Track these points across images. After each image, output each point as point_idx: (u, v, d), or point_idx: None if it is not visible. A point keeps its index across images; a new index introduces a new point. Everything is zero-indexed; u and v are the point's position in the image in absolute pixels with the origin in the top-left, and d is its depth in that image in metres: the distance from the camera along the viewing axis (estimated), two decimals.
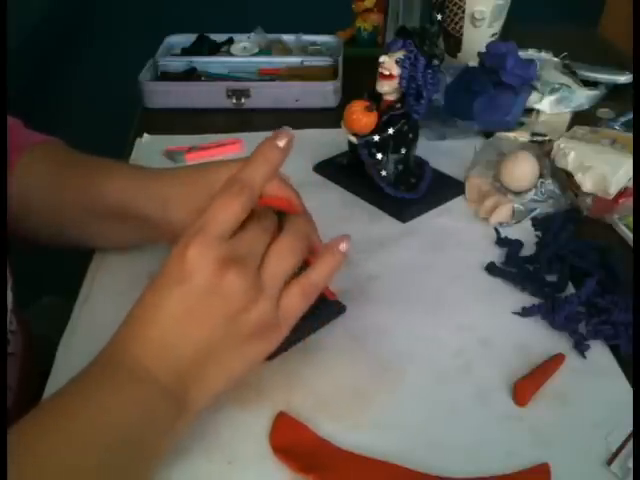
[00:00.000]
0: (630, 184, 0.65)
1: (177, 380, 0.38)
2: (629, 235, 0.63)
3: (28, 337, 0.59)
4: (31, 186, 0.54)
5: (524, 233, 0.63)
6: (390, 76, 0.61)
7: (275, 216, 0.43)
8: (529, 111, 0.80)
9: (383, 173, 0.66)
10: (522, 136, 0.74)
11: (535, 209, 0.65)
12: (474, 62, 0.80)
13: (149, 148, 0.78)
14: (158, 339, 0.38)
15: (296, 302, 0.41)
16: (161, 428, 0.38)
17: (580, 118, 0.81)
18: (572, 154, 0.67)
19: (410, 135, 0.65)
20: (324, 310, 0.52)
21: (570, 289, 0.57)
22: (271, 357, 0.48)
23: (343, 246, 0.43)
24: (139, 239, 0.57)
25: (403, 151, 0.65)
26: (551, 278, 0.58)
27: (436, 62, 0.62)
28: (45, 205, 0.54)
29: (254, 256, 0.39)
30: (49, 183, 0.55)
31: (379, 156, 0.65)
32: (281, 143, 0.40)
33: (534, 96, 0.79)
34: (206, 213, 0.38)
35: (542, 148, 0.72)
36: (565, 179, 0.67)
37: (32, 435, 0.34)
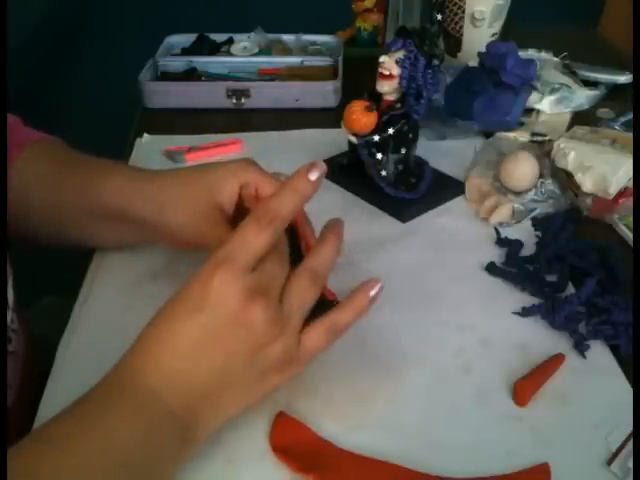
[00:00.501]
0: (630, 184, 0.65)
1: (186, 407, 0.37)
2: (629, 235, 0.63)
3: (29, 336, 0.59)
4: (30, 183, 0.54)
5: (524, 233, 0.63)
6: (390, 76, 0.61)
7: (285, 239, 0.42)
8: (529, 111, 0.80)
9: (383, 173, 0.66)
10: (522, 136, 0.74)
11: (535, 209, 0.65)
12: (474, 62, 0.80)
13: (149, 148, 0.78)
14: (171, 365, 0.37)
15: (320, 341, 0.41)
16: (167, 454, 0.37)
17: (580, 118, 0.81)
18: (572, 154, 0.67)
19: (410, 135, 0.65)
20: (324, 311, 0.52)
21: (570, 289, 0.57)
22: None
23: (373, 292, 0.42)
24: (138, 240, 0.57)
25: (403, 151, 0.65)
26: (551, 278, 0.58)
27: (436, 62, 0.62)
28: (44, 203, 0.54)
29: (276, 288, 0.39)
30: (48, 181, 0.55)
31: (379, 156, 0.65)
32: (313, 177, 0.39)
33: (534, 96, 0.79)
34: (233, 241, 0.37)
35: (542, 148, 0.72)
36: (565, 179, 0.67)
37: (32, 459, 0.33)
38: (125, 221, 0.53)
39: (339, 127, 0.66)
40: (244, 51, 0.96)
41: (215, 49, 0.97)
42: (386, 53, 0.61)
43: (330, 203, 0.68)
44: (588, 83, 0.86)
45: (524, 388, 0.47)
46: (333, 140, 0.73)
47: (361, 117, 0.63)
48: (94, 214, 0.53)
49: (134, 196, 0.52)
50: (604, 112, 0.84)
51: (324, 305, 0.51)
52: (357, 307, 0.42)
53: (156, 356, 0.37)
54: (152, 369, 0.37)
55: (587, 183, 0.65)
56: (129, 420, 0.36)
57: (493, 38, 0.88)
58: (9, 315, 0.51)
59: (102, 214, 0.53)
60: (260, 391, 0.40)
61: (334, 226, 0.43)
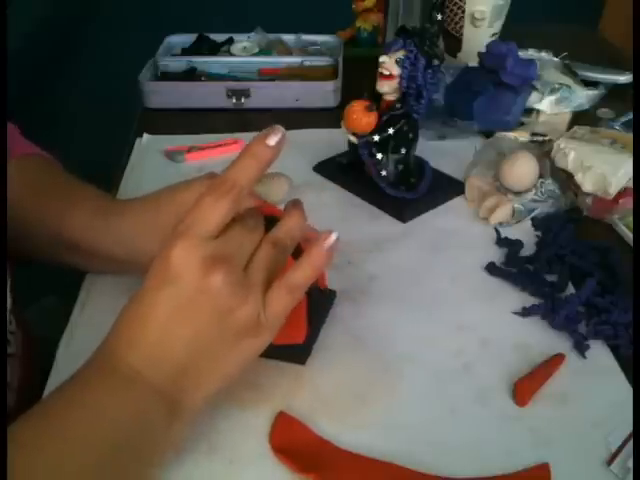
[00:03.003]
0: (630, 184, 0.65)
1: (170, 382, 0.38)
2: (629, 235, 0.63)
3: (28, 337, 0.59)
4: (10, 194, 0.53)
5: (524, 233, 0.63)
6: (390, 76, 0.61)
7: (262, 217, 0.42)
8: (529, 111, 0.80)
9: (383, 173, 0.66)
10: (522, 136, 0.74)
11: (535, 209, 0.65)
12: (474, 62, 0.80)
13: (149, 148, 0.78)
14: (148, 342, 0.38)
15: (283, 301, 0.40)
16: (156, 430, 0.38)
17: (580, 118, 0.81)
18: (572, 154, 0.67)
19: (410, 135, 0.65)
20: (321, 301, 0.52)
21: (570, 289, 0.57)
22: (302, 361, 0.49)
23: (327, 244, 0.41)
24: (108, 271, 0.57)
25: (403, 151, 0.65)
26: (551, 278, 0.58)
27: (436, 62, 0.62)
28: (15, 222, 0.53)
29: (241, 255, 0.39)
30: (24, 201, 0.54)
31: (379, 156, 0.65)
32: (271, 142, 0.38)
33: (534, 96, 0.79)
34: (191, 212, 0.38)
35: (542, 148, 0.72)
36: (565, 179, 0.67)
37: (24, 438, 0.34)
38: (95, 256, 0.53)
39: (339, 127, 0.66)
40: (244, 51, 0.96)
41: (215, 49, 0.97)
42: (386, 53, 0.61)
43: (330, 203, 0.68)
44: (588, 83, 0.86)
45: (524, 388, 0.47)
46: (333, 140, 0.73)
47: (361, 117, 0.63)
48: (64, 245, 0.53)
49: (102, 234, 0.51)
50: (604, 112, 0.84)
51: (321, 294, 0.52)
52: (314, 262, 0.41)
53: (131, 334, 0.38)
54: (129, 347, 0.38)
55: (587, 183, 0.65)
56: (113, 399, 0.37)
57: (493, 38, 0.88)
58: (7, 317, 0.51)
59: (71, 247, 0.53)
60: (235, 358, 0.40)
61: (295, 202, 0.43)
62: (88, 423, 0.35)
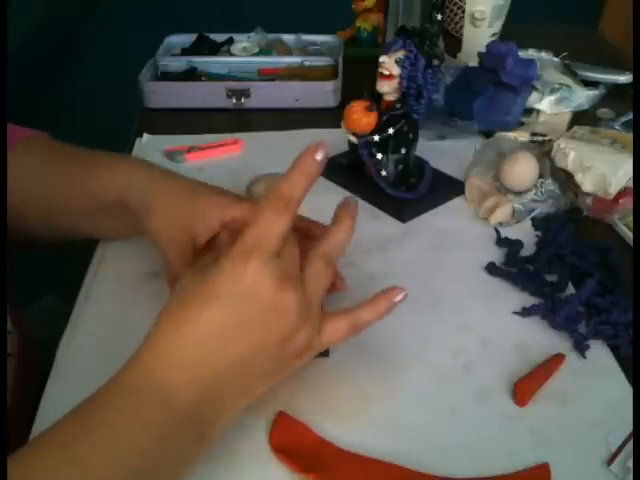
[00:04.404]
0: (630, 184, 0.65)
1: (203, 400, 0.37)
2: (629, 235, 0.63)
3: (24, 337, 0.58)
4: (25, 177, 0.54)
5: (524, 233, 0.63)
6: (390, 76, 0.61)
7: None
8: (529, 111, 0.80)
9: (383, 173, 0.66)
10: (522, 136, 0.74)
11: (535, 209, 0.65)
12: (474, 62, 0.80)
13: (149, 148, 0.78)
14: (190, 353, 0.36)
15: (339, 334, 0.41)
16: (180, 454, 0.37)
17: (580, 118, 0.81)
18: (572, 154, 0.67)
19: (410, 135, 0.65)
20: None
21: (570, 289, 0.57)
22: (326, 353, 0.50)
23: (397, 299, 0.43)
24: (130, 233, 0.57)
25: (403, 151, 0.65)
26: (551, 278, 0.58)
27: (436, 62, 0.62)
28: (41, 196, 0.54)
29: (297, 273, 0.39)
30: (45, 173, 0.54)
31: (379, 156, 0.65)
32: (319, 157, 0.39)
33: (534, 96, 0.79)
34: (256, 229, 0.37)
35: (542, 148, 0.72)
36: (565, 179, 0.67)
37: (37, 460, 0.32)
38: (122, 212, 0.52)
39: (339, 127, 0.66)
40: (244, 51, 0.96)
41: (215, 49, 0.97)
42: (386, 53, 0.61)
43: (330, 203, 0.68)
44: (588, 83, 0.86)
45: (524, 388, 0.47)
46: (333, 140, 0.73)
47: (361, 117, 0.63)
48: (91, 205, 0.53)
49: (133, 189, 0.52)
50: (604, 112, 0.84)
51: None
52: (379, 309, 0.42)
53: (174, 345, 0.36)
54: (168, 360, 0.36)
55: (587, 183, 0.65)
56: (141, 420, 0.35)
57: (493, 38, 0.88)
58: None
59: (100, 205, 0.53)
60: (279, 378, 0.40)
61: (347, 206, 0.43)
62: (107, 444, 0.33)
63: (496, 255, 0.61)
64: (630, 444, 0.43)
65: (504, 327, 0.53)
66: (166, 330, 0.37)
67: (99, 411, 0.35)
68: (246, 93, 0.86)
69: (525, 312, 0.54)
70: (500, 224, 0.64)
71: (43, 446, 0.33)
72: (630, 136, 0.70)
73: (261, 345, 0.37)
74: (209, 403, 0.37)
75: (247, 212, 0.49)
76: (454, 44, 0.91)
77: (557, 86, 0.81)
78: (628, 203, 0.64)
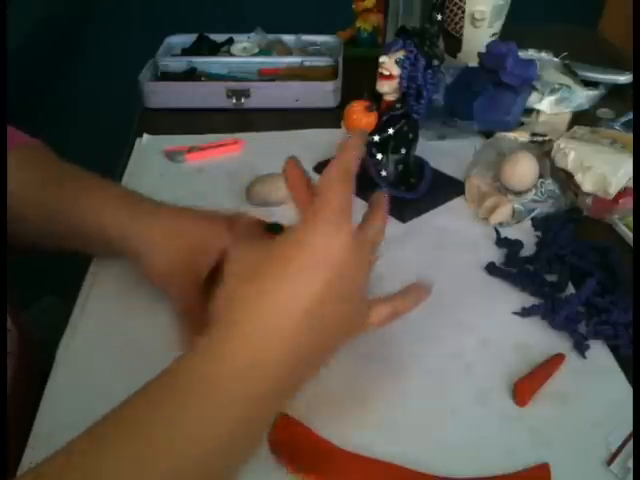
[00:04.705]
0: (630, 184, 0.65)
1: (289, 373, 0.36)
2: (629, 235, 0.63)
3: (24, 337, 0.58)
4: (19, 189, 0.53)
5: (524, 233, 0.63)
6: (390, 76, 0.61)
7: None
8: (529, 111, 0.80)
9: (383, 173, 0.66)
10: (522, 136, 0.74)
11: (535, 209, 0.65)
12: (474, 62, 0.80)
13: (149, 148, 0.78)
14: (279, 324, 0.35)
15: (381, 318, 0.41)
16: (263, 426, 0.37)
17: (580, 118, 0.81)
18: (572, 154, 0.67)
19: (410, 135, 0.65)
20: None
21: (570, 289, 0.57)
22: None
23: (425, 294, 0.44)
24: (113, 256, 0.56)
25: (403, 151, 0.65)
26: (551, 278, 0.58)
27: (436, 62, 0.62)
28: (33, 211, 0.53)
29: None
30: (39, 191, 0.53)
31: (379, 156, 0.65)
32: (360, 141, 0.40)
33: (534, 96, 0.79)
34: (331, 198, 0.37)
35: (542, 148, 0.72)
36: (565, 179, 0.67)
37: (100, 439, 0.31)
38: (119, 250, 0.52)
39: (339, 127, 0.66)
40: (244, 51, 0.96)
41: (215, 49, 0.97)
42: (386, 53, 0.61)
43: None
44: (588, 83, 0.86)
45: (524, 388, 0.47)
46: (333, 140, 0.73)
47: (361, 117, 0.63)
48: (80, 233, 0.52)
49: (133, 230, 0.51)
50: (604, 112, 0.84)
51: None
52: (418, 297, 0.43)
53: (262, 317, 0.35)
54: (253, 331, 0.35)
55: (587, 183, 0.65)
56: (227, 391, 0.33)
57: (493, 38, 0.88)
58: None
59: (84, 235, 0.52)
60: (337, 348, 0.40)
61: (379, 197, 0.44)
62: (189, 422, 0.32)
63: (496, 255, 0.61)
64: (630, 444, 0.43)
65: (504, 327, 0.53)
66: (251, 298, 0.35)
67: (180, 384, 0.33)
68: (246, 93, 0.86)
69: (525, 312, 0.54)
70: (500, 224, 0.64)
71: (113, 423, 0.32)
72: (630, 136, 0.70)
73: (344, 315, 0.37)
74: (296, 376, 0.37)
75: (242, 231, 0.50)
76: (454, 44, 0.91)
77: (557, 86, 0.81)
78: (628, 203, 0.64)
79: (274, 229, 0.49)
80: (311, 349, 0.36)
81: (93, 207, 0.52)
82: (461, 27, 0.89)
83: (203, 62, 0.93)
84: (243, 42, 0.98)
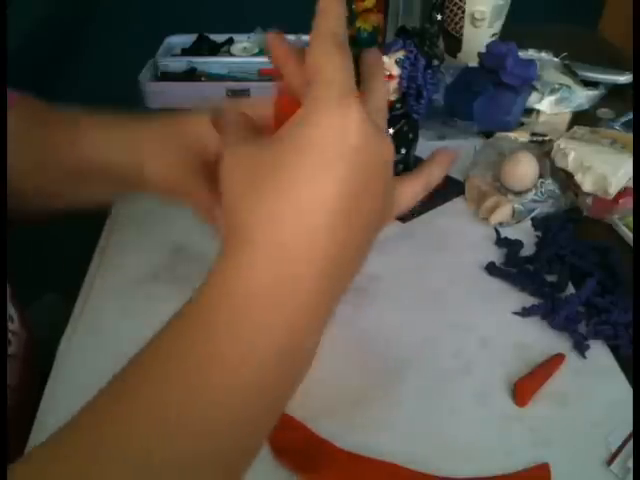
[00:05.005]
0: (630, 184, 0.65)
1: (328, 276, 0.30)
2: (629, 235, 0.63)
3: (29, 338, 0.58)
4: (10, 144, 0.50)
5: (524, 233, 0.63)
6: (390, 76, 0.61)
7: None
8: (529, 111, 0.80)
9: None
10: (522, 136, 0.74)
11: (535, 209, 0.65)
12: (474, 62, 0.80)
13: None
14: (312, 222, 0.29)
15: (413, 197, 0.37)
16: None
17: (580, 118, 0.81)
18: (572, 154, 0.67)
19: (410, 135, 0.65)
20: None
21: (570, 289, 0.57)
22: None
23: (451, 157, 0.39)
24: (123, 191, 0.54)
25: (403, 151, 0.65)
26: (551, 278, 0.58)
27: (436, 62, 0.62)
28: (25, 166, 0.51)
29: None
30: (29, 142, 0.51)
31: None
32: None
33: (534, 96, 0.79)
34: (333, 69, 0.30)
35: (542, 148, 0.72)
36: (565, 179, 0.67)
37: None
38: (108, 176, 0.49)
39: None
40: (244, 51, 0.96)
41: (215, 49, 0.97)
42: (386, 53, 0.61)
43: None
44: (588, 83, 0.86)
45: (524, 388, 0.47)
46: None
47: None
48: (76, 172, 0.50)
49: (114, 150, 0.48)
50: (604, 112, 0.84)
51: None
52: (447, 162, 0.38)
53: (296, 215, 0.29)
54: (287, 226, 0.29)
55: (587, 183, 0.65)
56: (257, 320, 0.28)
57: (493, 38, 0.88)
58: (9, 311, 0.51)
59: (84, 171, 0.49)
60: (370, 245, 0.35)
61: (375, 56, 0.40)
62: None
63: (496, 255, 0.61)
64: (630, 444, 0.43)
65: (504, 327, 0.53)
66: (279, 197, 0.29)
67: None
68: (246, 93, 0.86)
69: (525, 312, 0.54)
70: (500, 224, 0.64)
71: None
72: (630, 136, 0.70)
73: (373, 208, 0.32)
74: (334, 279, 0.31)
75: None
76: (454, 44, 0.91)
77: (557, 86, 0.81)
78: (628, 203, 0.64)
79: None
80: (343, 253, 0.31)
81: (84, 140, 0.49)
82: (461, 27, 0.89)
83: (203, 62, 0.93)
84: (243, 42, 0.98)
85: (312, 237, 0.29)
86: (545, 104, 0.80)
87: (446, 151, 0.38)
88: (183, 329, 0.29)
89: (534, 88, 0.79)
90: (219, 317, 0.28)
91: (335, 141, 0.29)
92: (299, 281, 0.29)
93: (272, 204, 0.29)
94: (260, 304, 0.28)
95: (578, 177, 0.66)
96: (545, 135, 0.75)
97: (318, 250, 0.29)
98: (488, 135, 0.76)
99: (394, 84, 0.62)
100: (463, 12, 0.87)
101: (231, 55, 0.96)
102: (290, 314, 0.29)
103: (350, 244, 0.31)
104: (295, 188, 0.29)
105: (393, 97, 0.63)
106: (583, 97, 0.82)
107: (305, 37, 1.09)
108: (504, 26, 0.90)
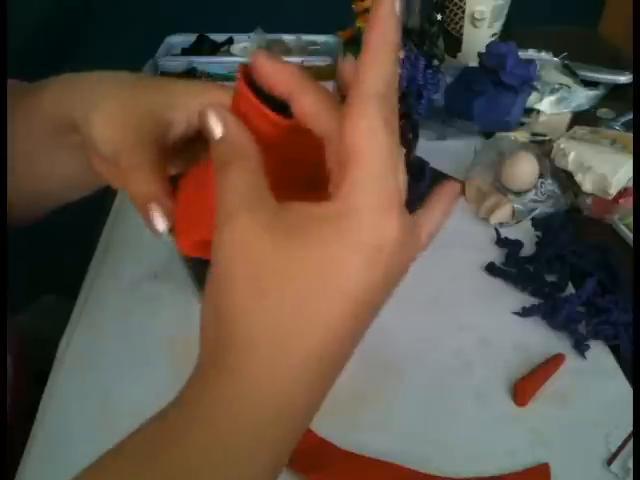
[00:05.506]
0: (630, 184, 0.65)
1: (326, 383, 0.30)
2: (629, 235, 0.63)
3: (21, 336, 0.58)
4: None
5: (524, 233, 0.63)
6: None
7: None
8: (529, 111, 0.80)
9: None
10: (522, 136, 0.74)
11: (535, 209, 0.65)
12: (474, 62, 0.80)
13: None
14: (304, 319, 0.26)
15: (441, 222, 0.33)
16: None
17: (580, 118, 0.81)
18: (572, 154, 0.67)
19: (410, 135, 0.65)
20: None
21: (570, 289, 0.57)
22: None
23: (457, 193, 0.33)
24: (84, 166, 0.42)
25: (403, 151, 0.65)
26: (551, 278, 0.58)
27: (436, 62, 0.62)
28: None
29: None
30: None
31: None
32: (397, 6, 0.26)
33: (534, 96, 0.79)
34: (381, 163, 0.26)
35: (542, 148, 0.72)
36: (565, 179, 0.67)
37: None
38: (65, 132, 0.40)
39: None
40: (244, 51, 0.96)
41: (215, 49, 0.97)
42: None
43: None
44: (588, 83, 0.86)
45: (524, 388, 0.47)
46: None
47: None
48: (45, 136, 0.41)
49: (67, 99, 0.39)
50: (604, 112, 0.84)
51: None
52: (454, 196, 0.33)
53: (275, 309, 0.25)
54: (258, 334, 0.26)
55: (587, 183, 0.65)
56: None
57: (493, 38, 0.88)
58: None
59: (49, 131, 0.41)
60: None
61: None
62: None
63: (496, 255, 0.61)
64: (630, 444, 0.43)
65: (504, 327, 0.53)
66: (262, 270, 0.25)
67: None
68: None
69: (525, 312, 0.54)
70: (500, 224, 0.64)
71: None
72: (630, 136, 0.70)
73: (389, 287, 0.30)
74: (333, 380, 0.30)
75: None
76: (454, 44, 0.91)
77: (557, 86, 0.81)
78: (628, 203, 0.64)
79: (273, 104, 0.29)
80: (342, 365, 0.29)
81: (44, 101, 0.40)
82: (461, 27, 0.89)
83: (203, 62, 0.93)
84: (243, 42, 0.98)
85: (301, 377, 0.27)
86: (545, 104, 0.80)
87: (451, 184, 0.33)
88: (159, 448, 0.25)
89: (534, 88, 0.79)
90: (199, 451, 0.24)
91: (363, 238, 0.26)
92: (295, 419, 0.27)
93: (278, 327, 0.25)
94: (247, 446, 0.26)
95: (578, 177, 0.66)
96: (545, 135, 0.75)
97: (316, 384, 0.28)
98: (488, 135, 0.76)
99: None
100: (463, 12, 0.87)
101: (231, 55, 0.96)
102: (276, 452, 0.27)
103: (351, 351, 0.29)
104: (309, 307, 0.25)
105: None
106: (583, 97, 0.82)
107: (305, 37, 1.09)
108: (504, 26, 0.90)
